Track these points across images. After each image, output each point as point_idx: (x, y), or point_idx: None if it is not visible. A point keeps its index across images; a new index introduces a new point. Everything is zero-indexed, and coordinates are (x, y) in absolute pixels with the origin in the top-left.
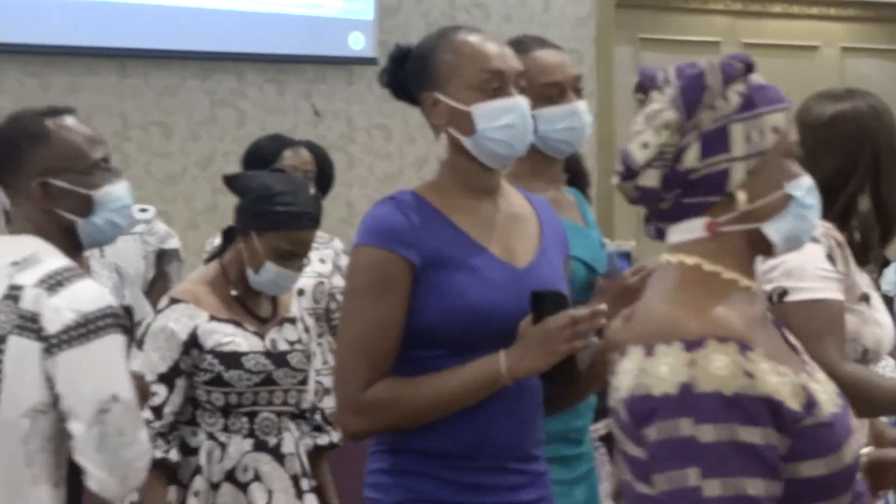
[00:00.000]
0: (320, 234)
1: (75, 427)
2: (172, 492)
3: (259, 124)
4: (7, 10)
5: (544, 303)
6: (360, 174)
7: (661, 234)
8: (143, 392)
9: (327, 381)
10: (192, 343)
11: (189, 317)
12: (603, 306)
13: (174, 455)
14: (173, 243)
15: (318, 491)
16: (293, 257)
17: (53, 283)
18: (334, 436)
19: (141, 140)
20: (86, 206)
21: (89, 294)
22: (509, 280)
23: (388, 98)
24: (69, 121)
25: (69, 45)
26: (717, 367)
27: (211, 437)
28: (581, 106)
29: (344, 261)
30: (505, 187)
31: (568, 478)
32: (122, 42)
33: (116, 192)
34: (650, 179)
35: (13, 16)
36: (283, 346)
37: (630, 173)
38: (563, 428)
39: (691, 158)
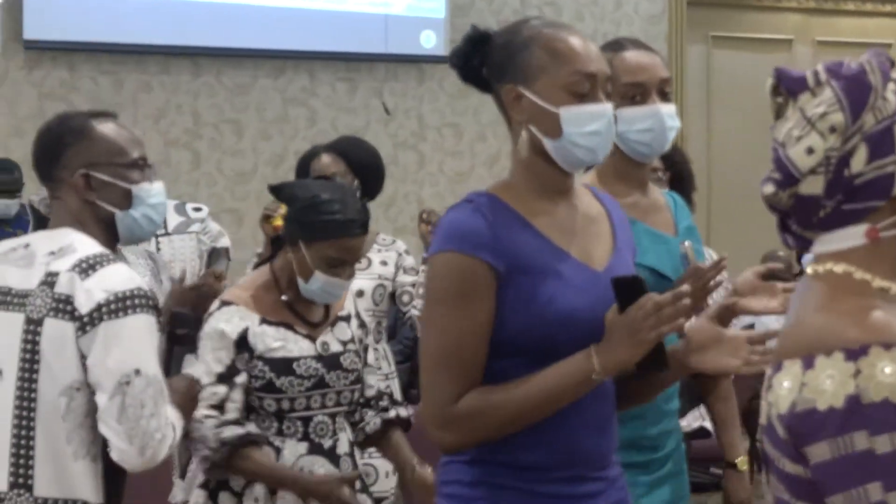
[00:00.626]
0: (383, 237)
1: (100, 398)
2: (226, 499)
3: (330, 122)
4: (82, 10)
5: (626, 290)
6: (431, 172)
7: (801, 244)
8: (194, 397)
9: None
10: (243, 345)
11: (240, 318)
12: (686, 287)
13: (253, 427)
14: (224, 242)
15: (397, 460)
16: (342, 265)
17: (86, 266)
18: (402, 411)
19: (213, 138)
20: (125, 200)
21: (120, 276)
22: (591, 284)
23: (459, 96)
24: (111, 122)
25: (143, 44)
26: (886, 375)
27: (266, 441)
28: (664, 109)
29: (408, 261)
30: (575, 186)
31: (648, 479)
32: (195, 41)
33: (154, 189)
34: (813, 187)
35: (88, 15)
36: (334, 348)
37: (790, 181)
38: (635, 435)
39: (858, 162)
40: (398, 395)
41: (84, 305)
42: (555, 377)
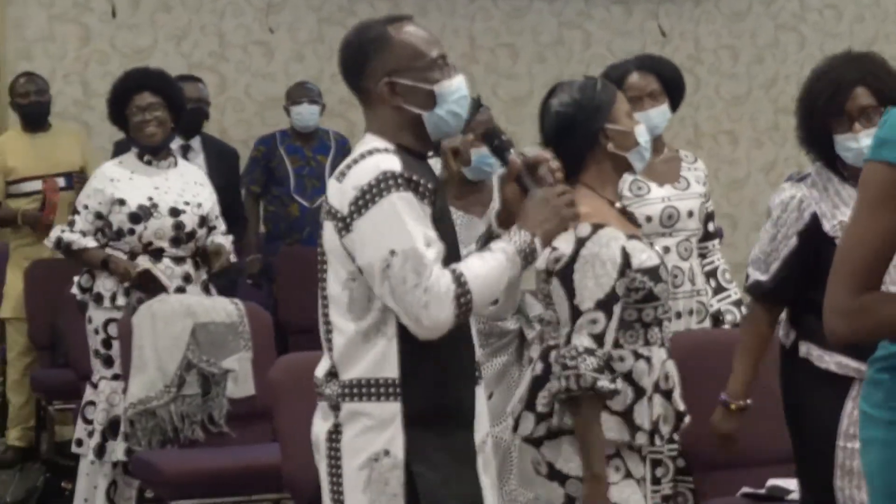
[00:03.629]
0: (686, 154)
1: (376, 289)
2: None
3: (605, 45)
4: None
5: None
6: (707, 95)
7: None
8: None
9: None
10: (626, 264)
11: (615, 239)
12: None
13: (620, 384)
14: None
15: None
16: None
17: (345, 168)
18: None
19: (488, 62)
20: (429, 100)
21: (367, 168)
22: None
23: (735, 18)
24: (408, 26)
25: None
26: None
27: (636, 354)
28: None
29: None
30: None
31: None
32: None
33: (455, 84)
34: None
35: None
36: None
37: None
38: None
39: None
40: None
41: (343, 207)
42: None
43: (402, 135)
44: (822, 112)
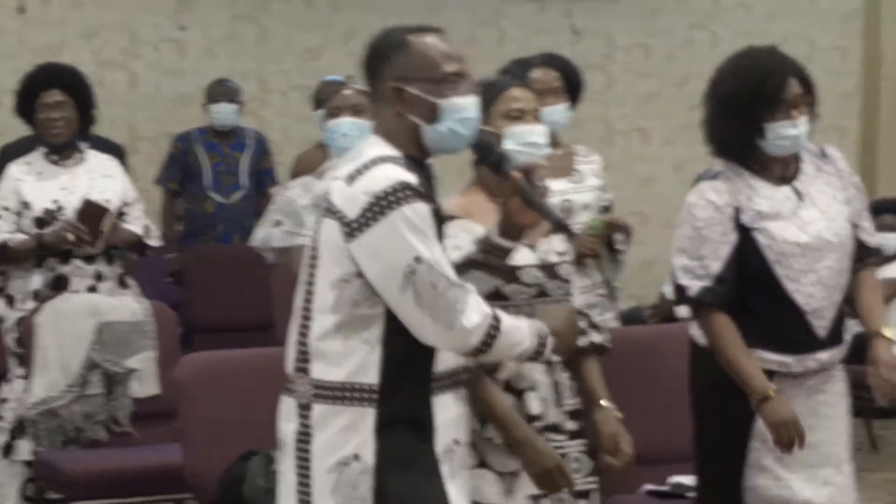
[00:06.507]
0: (580, 148)
1: (390, 299)
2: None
3: (519, 43)
4: None
5: None
6: (620, 93)
7: None
8: None
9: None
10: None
11: (466, 231)
12: None
13: None
14: None
15: (584, 387)
16: None
17: (356, 172)
18: (595, 337)
19: None
20: (432, 113)
21: (381, 175)
22: None
23: (649, 16)
24: (430, 37)
25: None
26: None
27: None
28: None
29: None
30: None
31: None
32: None
33: (463, 103)
34: None
35: None
36: (552, 258)
37: None
38: None
39: None
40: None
41: (351, 210)
42: None
43: (403, 142)
44: (760, 102)
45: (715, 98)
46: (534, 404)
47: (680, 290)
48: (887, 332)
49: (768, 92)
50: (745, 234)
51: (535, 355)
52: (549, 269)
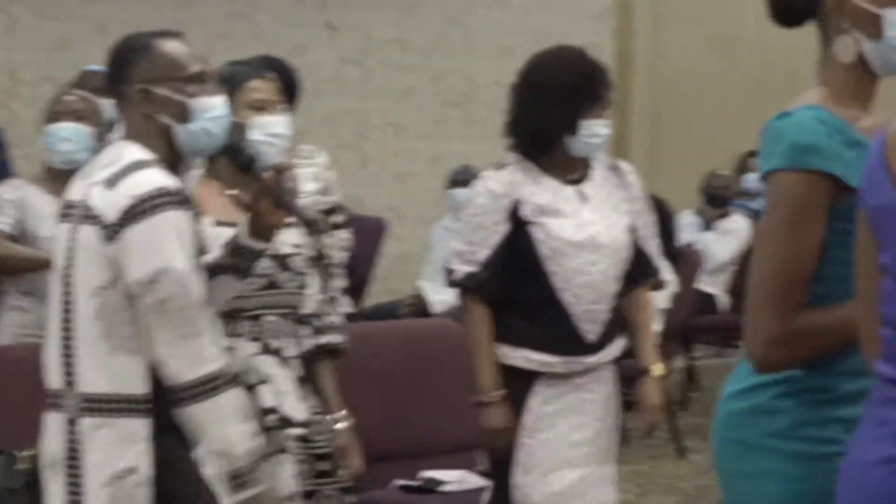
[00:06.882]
0: (303, 147)
1: (136, 301)
2: None
3: (273, 37)
4: None
5: None
6: (376, 87)
7: None
8: None
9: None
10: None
11: (215, 235)
12: None
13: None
14: None
15: (318, 392)
16: None
17: (115, 177)
18: (337, 338)
19: None
20: (182, 113)
21: (144, 179)
22: None
23: (406, 11)
24: (173, 40)
25: None
26: None
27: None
28: None
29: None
30: None
31: None
32: None
33: (213, 102)
34: None
35: None
36: (285, 249)
37: None
38: None
39: None
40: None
41: (110, 214)
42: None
43: (155, 144)
44: (584, 95)
45: (532, 86)
46: (267, 397)
47: (448, 272)
48: (655, 371)
49: (594, 86)
50: (523, 228)
51: (235, 471)
52: (280, 259)
